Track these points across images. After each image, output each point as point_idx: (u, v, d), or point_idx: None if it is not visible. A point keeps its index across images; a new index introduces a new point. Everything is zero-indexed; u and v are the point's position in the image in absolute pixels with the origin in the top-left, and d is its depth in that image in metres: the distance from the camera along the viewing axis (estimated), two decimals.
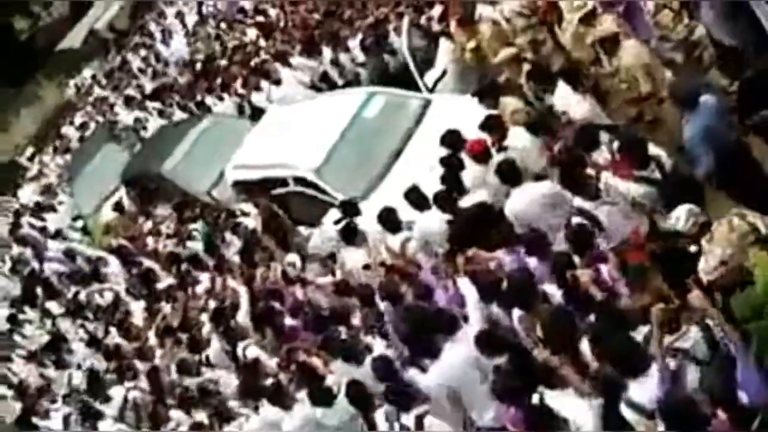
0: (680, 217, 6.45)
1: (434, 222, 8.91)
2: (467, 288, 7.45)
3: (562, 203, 7.75)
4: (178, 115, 18.24)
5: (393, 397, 7.33)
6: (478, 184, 8.95)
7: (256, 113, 14.60)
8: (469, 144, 9.12)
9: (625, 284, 6.41)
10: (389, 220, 9.27)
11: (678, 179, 7.35)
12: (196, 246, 13.11)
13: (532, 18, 9.87)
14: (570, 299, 6.71)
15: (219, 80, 17.44)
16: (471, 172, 9.03)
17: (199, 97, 17.75)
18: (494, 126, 9.05)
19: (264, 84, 15.05)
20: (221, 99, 16.60)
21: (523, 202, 8.04)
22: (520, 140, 8.88)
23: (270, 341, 9.74)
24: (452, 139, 9.42)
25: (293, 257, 10.67)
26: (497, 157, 8.79)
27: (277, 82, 14.81)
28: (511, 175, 8.32)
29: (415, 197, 9.18)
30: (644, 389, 5.67)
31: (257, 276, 10.68)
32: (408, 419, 7.12)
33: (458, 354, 7.10)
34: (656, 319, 5.82)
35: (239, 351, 10.02)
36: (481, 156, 8.97)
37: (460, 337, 7.16)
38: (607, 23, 8.85)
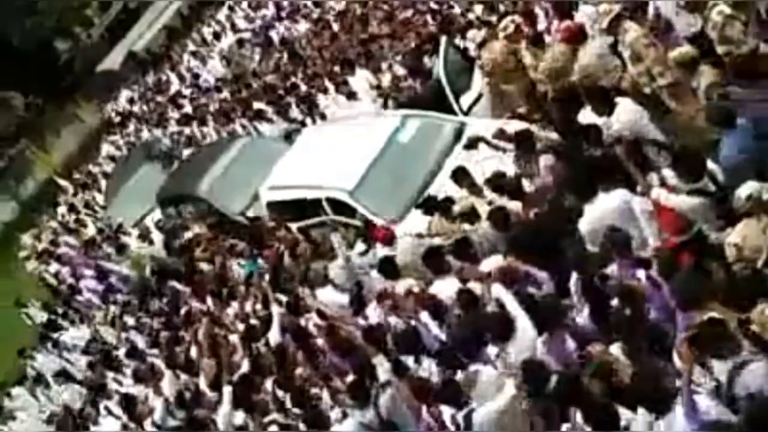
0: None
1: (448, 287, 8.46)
2: (503, 293, 7.43)
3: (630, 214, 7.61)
4: (214, 136, 18.37)
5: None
6: (491, 249, 8.62)
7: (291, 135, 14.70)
8: (377, 232, 9.41)
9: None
10: (387, 269, 9.20)
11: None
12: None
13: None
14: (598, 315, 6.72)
15: (254, 102, 17.56)
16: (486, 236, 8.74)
17: (234, 119, 17.86)
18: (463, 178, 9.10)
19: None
20: (258, 120, 16.72)
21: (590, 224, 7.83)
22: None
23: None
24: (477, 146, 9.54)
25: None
26: (486, 207, 8.76)
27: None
28: (504, 222, 8.40)
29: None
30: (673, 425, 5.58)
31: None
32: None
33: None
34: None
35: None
36: (389, 241, 9.47)
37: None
38: (633, 30, 8.64)
